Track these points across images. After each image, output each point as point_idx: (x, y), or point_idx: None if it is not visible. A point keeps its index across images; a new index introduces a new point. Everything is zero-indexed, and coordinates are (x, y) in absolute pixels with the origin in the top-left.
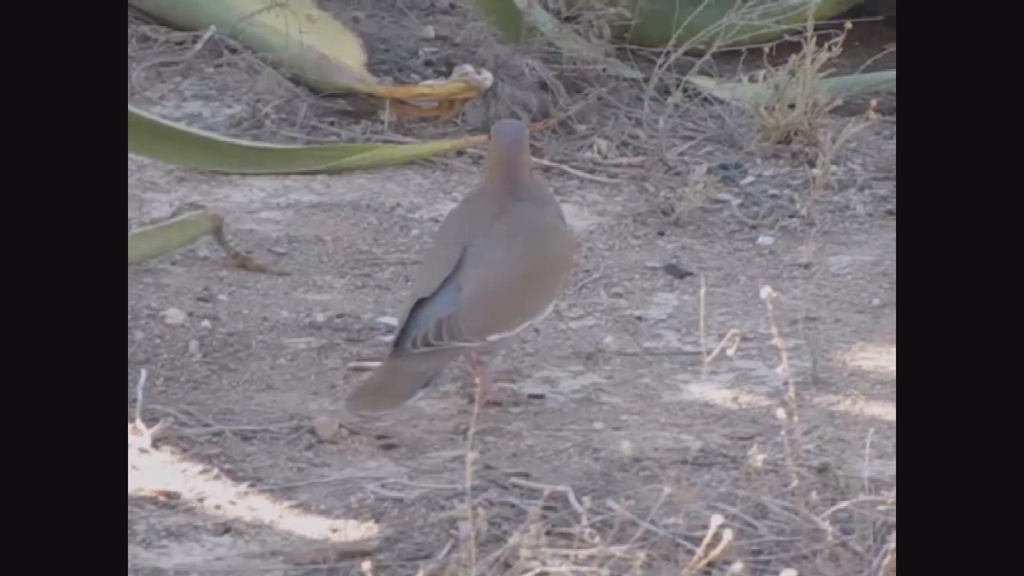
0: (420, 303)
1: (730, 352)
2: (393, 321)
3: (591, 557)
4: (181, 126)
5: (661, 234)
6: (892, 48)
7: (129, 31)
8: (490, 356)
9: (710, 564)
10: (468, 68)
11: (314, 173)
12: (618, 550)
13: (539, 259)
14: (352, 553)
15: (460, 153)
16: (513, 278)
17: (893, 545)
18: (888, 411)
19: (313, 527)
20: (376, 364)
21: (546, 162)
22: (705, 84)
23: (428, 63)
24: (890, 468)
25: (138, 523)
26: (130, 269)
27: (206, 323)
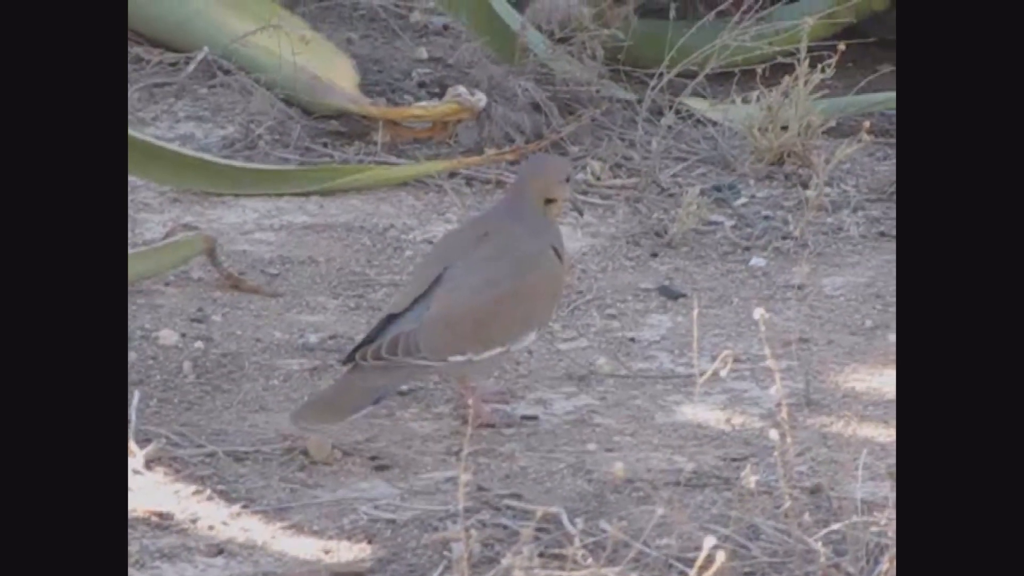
0: (391, 319)
1: (723, 373)
2: None
3: None
4: (174, 147)
5: (654, 255)
6: (885, 69)
7: None
8: (481, 377)
9: None
10: (461, 89)
11: (307, 194)
12: (611, 571)
13: (514, 287)
14: (345, 574)
15: (453, 174)
16: (483, 302)
17: (886, 567)
18: (881, 432)
19: (306, 548)
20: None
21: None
22: (698, 106)
23: (421, 84)
24: (883, 489)
25: (131, 544)
26: None
27: (199, 344)
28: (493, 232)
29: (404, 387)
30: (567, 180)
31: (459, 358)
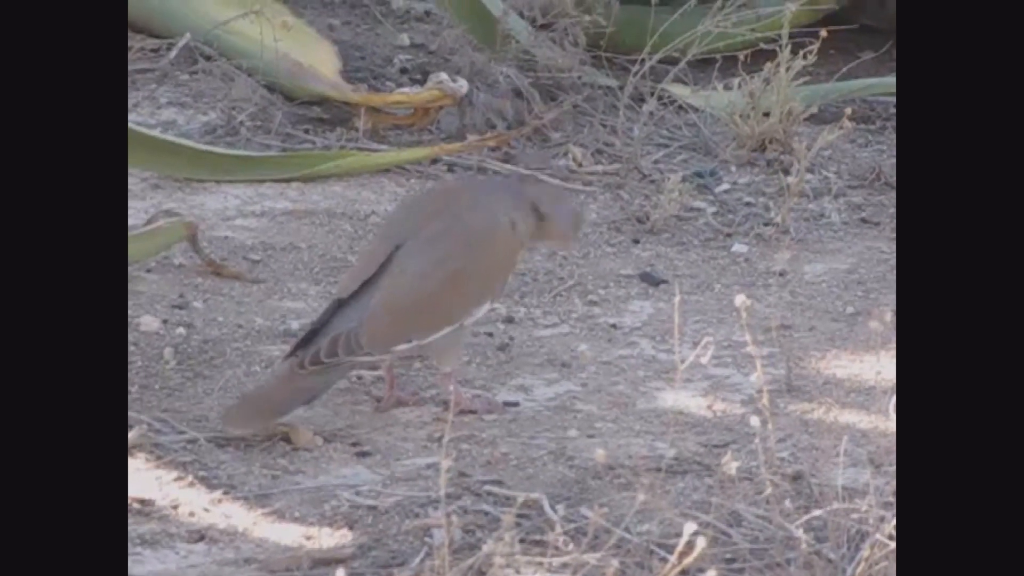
0: (340, 305)
1: (704, 360)
2: None
3: (565, 565)
4: (156, 133)
5: (636, 242)
6: (867, 56)
7: None
8: (447, 360)
9: (684, 572)
10: (443, 76)
11: (289, 180)
12: (592, 558)
13: (461, 266)
14: (326, 560)
15: (435, 161)
16: (427, 288)
17: (867, 553)
18: (862, 419)
19: (287, 534)
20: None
21: (521, 170)
22: (680, 92)
23: (403, 70)
24: (864, 476)
25: None
26: None
27: (181, 330)
28: (444, 207)
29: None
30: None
31: (404, 346)
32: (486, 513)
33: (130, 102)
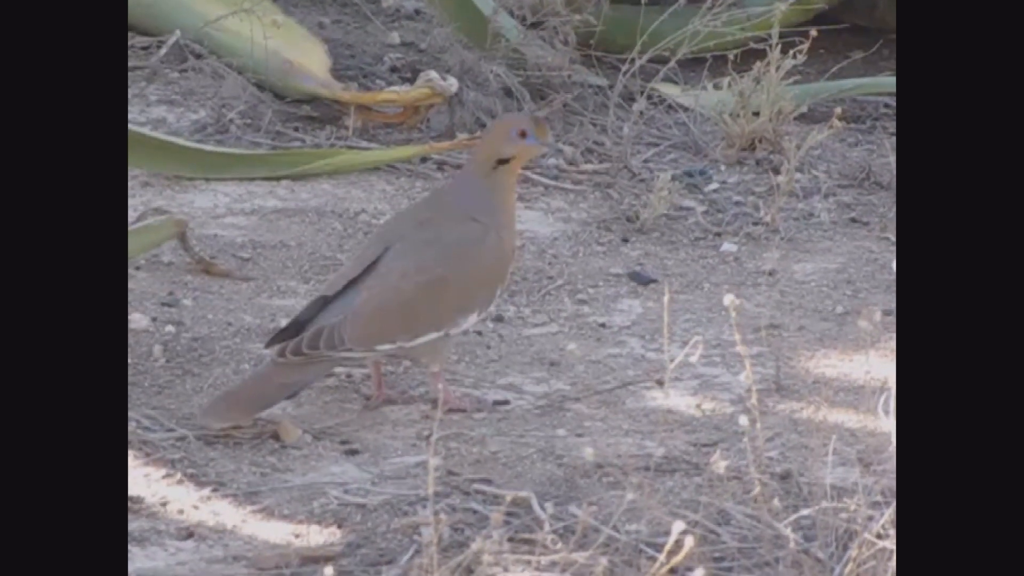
0: (324, 301)
1: (693, 359)
2: None
3: (553, 563)
4: (146, 131)
5: (625, 241)
6: (857, 55)
7: None
8: (435, 362)
9: (672, 570)
10: (433, 74)
11: (279, 179)
12: (580, 556)
13: (445, 274)
14: (315, 558)
15: (424, 159)
16: (410, 290)
17: (856, 552)
18: (851, 418)
19: (276, 532)
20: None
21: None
22: (670, 91)
23: (393, 69)
24: (853, 475)
25: None
26: None
27: (170, 328)
28: (438, 212)
29: (321, 379)
30: (523, 135)
31: (387, 346)
32: (474, 511)
33: None
